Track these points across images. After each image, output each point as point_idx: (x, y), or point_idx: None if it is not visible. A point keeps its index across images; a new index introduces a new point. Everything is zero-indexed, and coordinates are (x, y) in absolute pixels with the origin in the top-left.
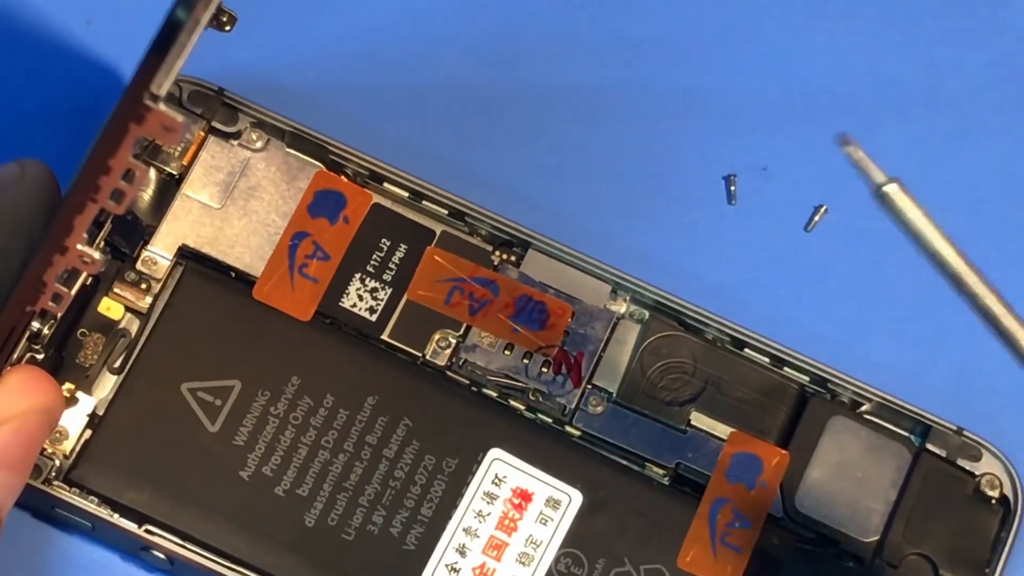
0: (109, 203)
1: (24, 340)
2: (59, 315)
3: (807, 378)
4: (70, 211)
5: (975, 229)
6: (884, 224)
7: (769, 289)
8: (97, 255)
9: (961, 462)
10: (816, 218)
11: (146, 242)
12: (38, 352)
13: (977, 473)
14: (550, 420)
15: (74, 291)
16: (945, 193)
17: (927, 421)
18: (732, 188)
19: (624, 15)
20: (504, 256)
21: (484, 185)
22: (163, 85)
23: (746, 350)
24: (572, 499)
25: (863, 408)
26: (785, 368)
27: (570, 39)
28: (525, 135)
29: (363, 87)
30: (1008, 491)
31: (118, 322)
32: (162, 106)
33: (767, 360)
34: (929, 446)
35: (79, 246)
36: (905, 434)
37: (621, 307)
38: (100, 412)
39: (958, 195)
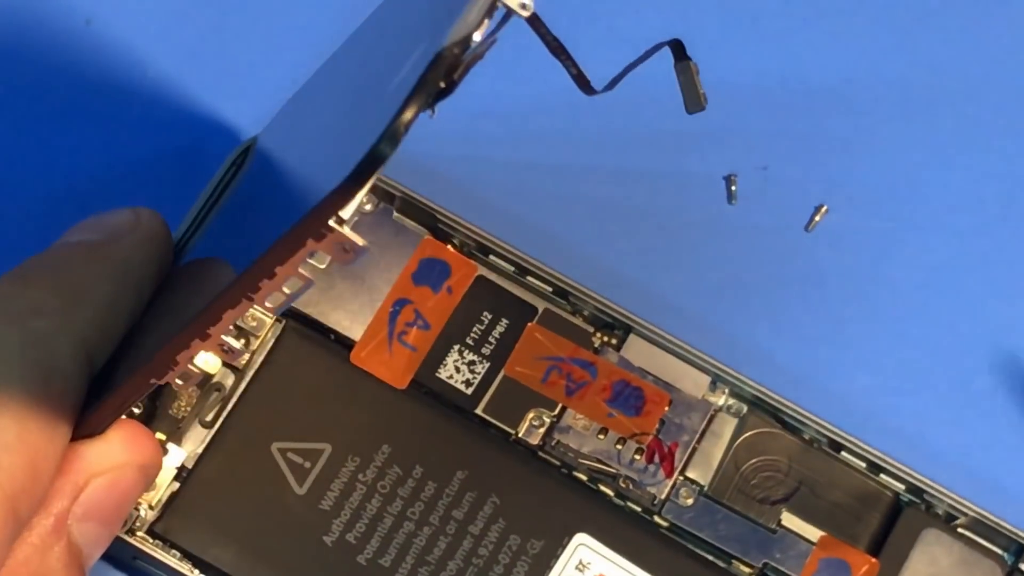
0: (266, 305)
1: None
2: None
3: (903, 486)
4: (224, 304)
5: (975, 229)
6: (884, 224)
7: (769, 289)
8: (238, 345)
9: None
10: (816, 218)
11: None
12: (136, 405)
13: None
14: (639, 508)
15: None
16: (945, 193)
17: (1022, 540)
18: (732, 188)
19: (624, 15)
20: (605, 338)
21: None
22: (349, 209)
23: (843, 453)
24: None
25: (958, 522)
26: (881, 475)
27: (570, 38)
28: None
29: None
30: None
31: (213, 376)
32: (346, 230)
33: (863, 465)
34: (1022, 566)
35: (223, 336)
36: (999, 551)
37: (720, 399)
38: (189, 465)
39: (958, 195)
